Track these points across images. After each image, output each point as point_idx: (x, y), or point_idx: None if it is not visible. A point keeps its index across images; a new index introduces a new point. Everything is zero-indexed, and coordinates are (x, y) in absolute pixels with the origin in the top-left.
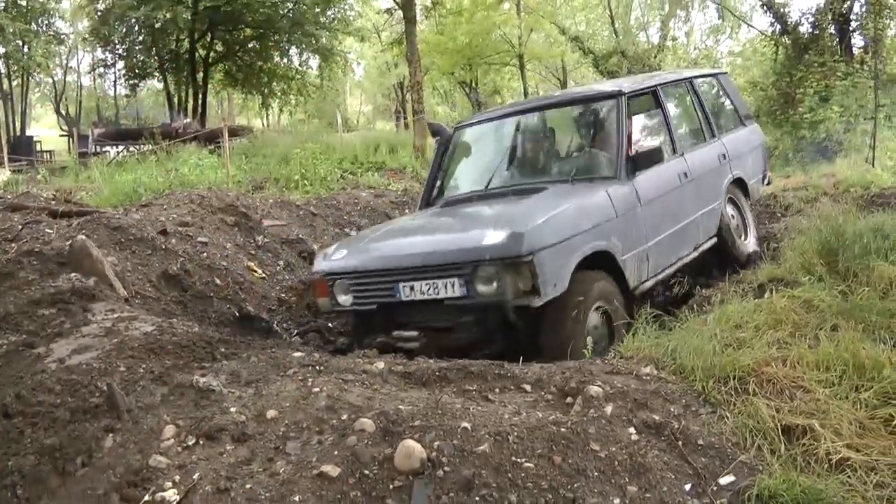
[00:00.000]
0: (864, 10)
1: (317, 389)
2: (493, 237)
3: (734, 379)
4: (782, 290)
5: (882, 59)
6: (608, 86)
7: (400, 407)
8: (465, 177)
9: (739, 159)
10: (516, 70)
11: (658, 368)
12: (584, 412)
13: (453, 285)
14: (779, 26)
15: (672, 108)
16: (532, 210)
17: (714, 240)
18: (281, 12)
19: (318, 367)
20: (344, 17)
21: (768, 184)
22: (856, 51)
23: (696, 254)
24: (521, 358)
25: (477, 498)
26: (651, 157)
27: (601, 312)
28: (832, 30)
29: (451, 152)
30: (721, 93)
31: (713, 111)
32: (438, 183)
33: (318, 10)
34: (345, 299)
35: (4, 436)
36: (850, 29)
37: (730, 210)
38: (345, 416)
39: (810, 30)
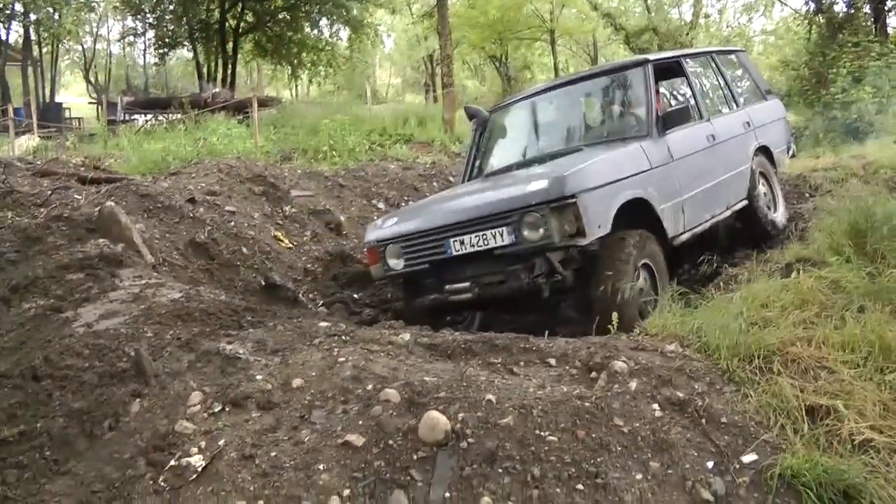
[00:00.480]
0: None
1: (342, 359)
2: (538, 185)
3: (759, 358)
4: (809, 270)
5: None
6: (636, 57)
7: (425, 378)
8: (504, 152)
9: (763, 128)
10: (547, 45)
11: (683, 346)
12: (609, 387)
13: (502, 234)
14: (813, 5)
15: (695, 78)
16: (572, 162)
17: (745, 202)
18: None
19: (343, 338)
20: None
21: (793, 155)
22: (890, 31)
23: (728, 213)
24: (556, 325)
25: (500, 470)
26: (679, 117)
27: (647, 270)
28: (867, 9)
29: (489, 133)
30: (741, 68)
31: (735, 84)
32: (477, 162)
33: None
34: (396, 263)
35: (33, 398)
36: (886, 9)
37: (760, 181)
38: (370, 387)
39: (845, 9)
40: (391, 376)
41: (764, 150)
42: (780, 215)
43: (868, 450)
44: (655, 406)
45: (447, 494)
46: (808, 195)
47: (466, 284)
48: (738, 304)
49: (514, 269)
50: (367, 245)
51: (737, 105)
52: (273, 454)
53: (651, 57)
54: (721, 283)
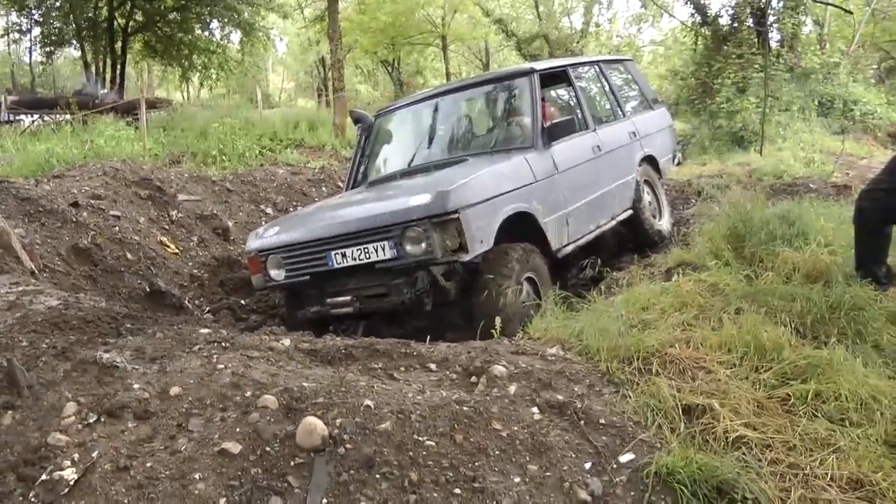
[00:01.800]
0: (781, 5)
1: (222, 366)
2: (420, 199)
3: (638, 360)
4: (690, 274)
5: (797, 54)
6: (522, 66)
7: (304, 384)
8: (388, 159)
9: (649, 138)
10: (439, 51)
11: (564, 349)
12: (488, 391)
13: (384, 248)
14: (699, 17)
15: (582, 88)
16: (455, 175)
17: (630, 211)
18: None
19: (224, 344)
20: None
21: (678, 163)
22: (773, 44)
23: (613, 223)
24: (441, 331)
25: (378, 475)
26: (565, 128)
27: (530, 283)
28: (750, 23)
29: (374, 138)
30: (629, 78)
31: (622, 94)
32: (362, 168)
33: None
34: (277, 273)
35: None
36: (768, 23)
37: (645, 189)
38: (249, 393)
39: (729, 22)
40: (270, 382)
41: (650, 160)
42: (665, 223)
43: (741, 446)
44: (535, 409)
45: (324, 500)
46: (693, 201)
47: (348, 298)
48: (619, 308)
49: (397, 283)
50: (248, 254)
51: (623, 114)
52: (148, 465)
53: (537, 66)
54: (604, 288)
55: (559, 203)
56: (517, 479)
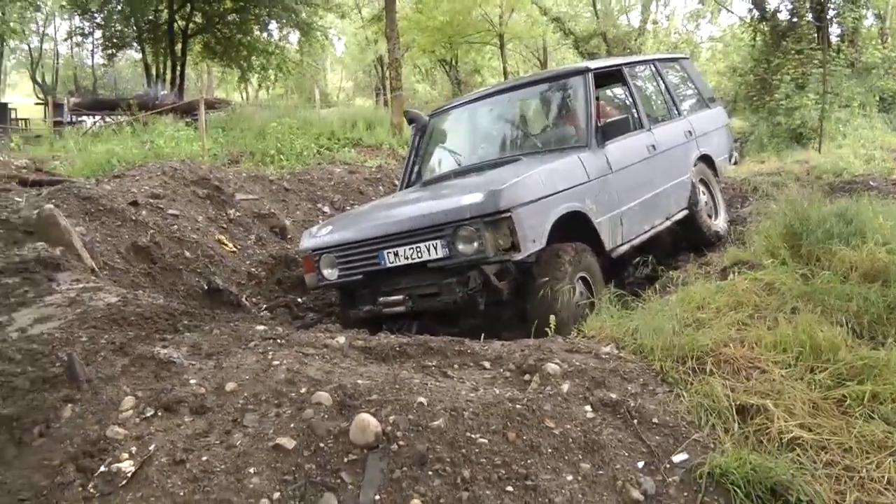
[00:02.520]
0: None
1: (277, 363)
2: (472, 198)
3: (692, 359)
4: (745, 273)
5: (857, 49)
6: (577, 64)
7: (358, 381)
8: (442, 159)
9: (705, 137)
10: (497, 49)
11: (618, 348)
12: (541, 389)
13: (436, 247)
14: (757, 13)
15: (637, 86)
16: (508, 174)
17: (685, 212)
18: None
19: (279, 341)
20: None
21: (735, 163)
22: (833, 39)
23: (668, 223)
24: (496, 331)
25: (430, 472)
26: (619, 127)
27: (584, 282)
28: (810, 17)
29: (428, 138)
30: (685, 76)
31: (677, 92)
32: (416, 168)
33: None
34: (330, 273)
35: None
36: (828, 17)
37: (701, 189)
38: (303, 390)
39: (788, 17)
40: (324, 379)
41: (706, 159)
42: (721, 223)
43: (796, 448)
44: (588, 407)
45: (377, 497)
46: (750, 199)
47: (400, 297)
48: (674, 307)
49: (449, 283)
50: (301, 253)
51: (679, 113)
52: (204, 458)
53: (592, 65)
54: (658, 286)
55: (613, 203)
56: (569, 478)
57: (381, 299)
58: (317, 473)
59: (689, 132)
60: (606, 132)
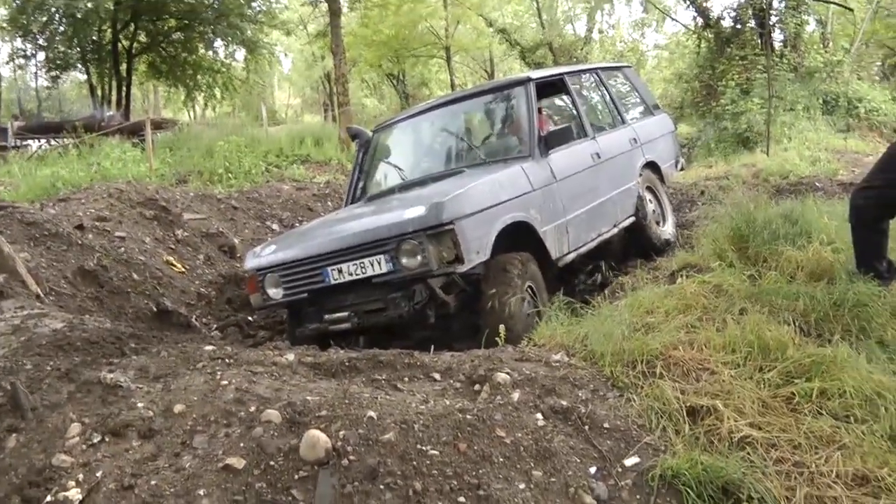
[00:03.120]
0: (783, 5)
1: (225, 382)
2: (415, 212)
3: (642, 363)
4: (693, 276)
5: (800, 53)
6: (518, 75)
7: (307, 398)
8: (386, 174)
9: (651, 144)
10: (444, 62)
11: (569, 355)
12: (491, 399)
13: (380, 262)
14: (701, 20)
15: (580, 95)
16: (450, 186)
17: (632, 218)
18: (206, 3)
19: (227, 360)
20: (270, 9)
21: (681, 169)
22: (776, 45)
23: (615, 230)
24: (447, 342)
25: (382, 486)
26: (562, 136)
27: (530, 292)
28: (753, 24)
29: (372, 153)
30: (628, 84)
31: (621, 100)
32: (361, 184)
33: (242, 1)
34: (275, 292)
35: None
36: (770, 24)
37: (648, 196)
38: (252, 408)
39: (732, 24)
40: (274, 397)
41: (652, 166)
42: (669, 229)
43: (746, 446)
44: (538, 415)
45: None
46: (699, 203)
47: (346, 314)
48: (623, 312)
49: (394, 297)
50: (245, 273)
51: (623, 121)
52: (153, 483)
53: (533, 75)
54: (608, 293)
55: (558, 212)
56: (522, 486)
57: (327, 316)
58: (267, 492)
59: (634, 139)
60: (549, 141)
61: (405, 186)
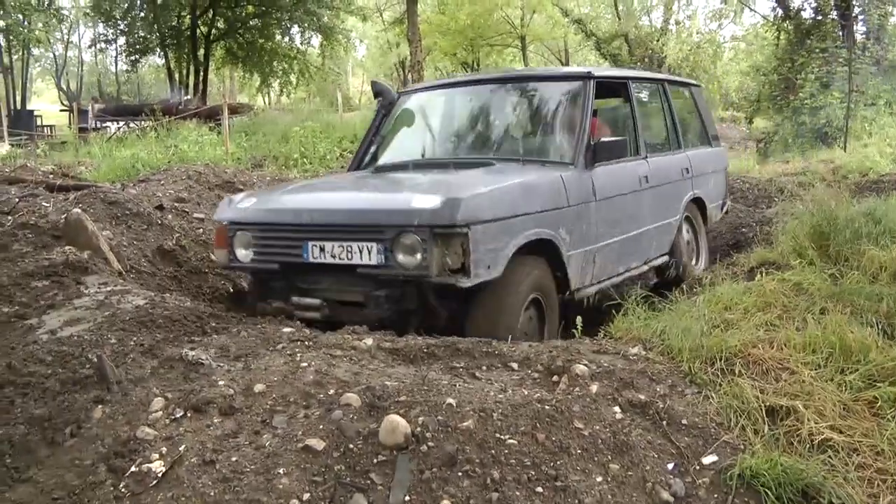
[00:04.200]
0: None
1: (305, 364)
2: (425, 201)
3: (721, 360)
4: (773, 273)
5: (884, 46)
6: (577, 68)
7: (386, 382)
8: (404, 144)
9: (702, 178)
10: (518, 52)
11: (646, 349)
12: (570, 390)
13: (370, 251)
14: (781, 11)
15: (641, 105)
16: (474, 180)
17: (666, 258)
18: None
19: (306, 343)
20: None
21: (726, 212)
22: (858, 37)
23: (645, 268)
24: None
25: (460, 473)
26: (614, 149)
27: (535, 305)
28: (834, 15)
29: (394, 117)
30: (693, 105)
31: (682, 122)
32: (373, 148)
33: None
34: (244, 254)
35: None
36: (853, 15)
37: (686, 233)
38: (332, 391)
39: (813, 15)
40: (353, 381)
41: (698, 203)
42: (699, 267)
43: (827, 450)
44: (616, 409)
45: (407, 498)
46: (775, 199)
47: (317, 302)
48: (702, 308)
49: (378, 296)
50: (215, 224)
51: (679, 146)
52: (234, 459)
53: (595, 72)
54: (685, 287)
55: (589, 236)
56: (599, 479)
57: (295, 299)
58: (346, 474)
59: (687, 170)
60: (598, 152)
61: (422, 165)
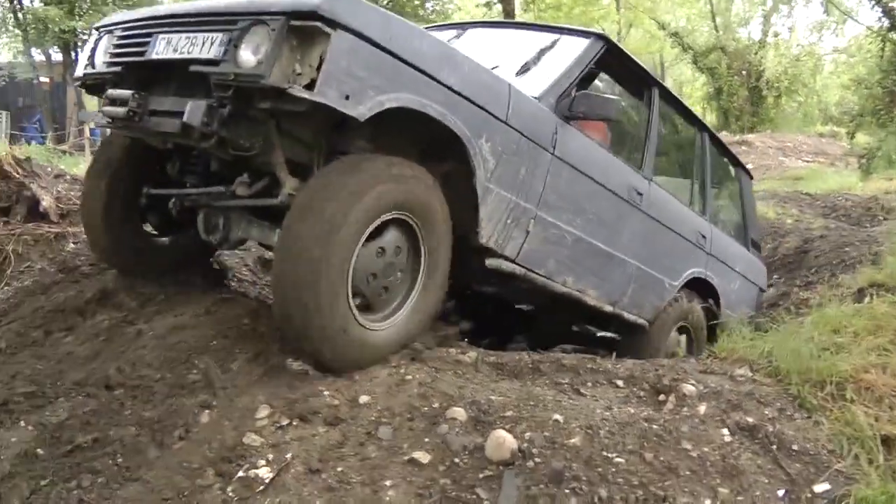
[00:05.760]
0: None
1: (409, 377)
2: None
3: (831, 384)
4: (883, 296)
5: None
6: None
7: (491, 397)
8: None
9: (721, 265)
10: None
11: (752, 370)
12: (677, 410)
13: (212, 42)
14: (887, 21)
15: (662, 126)
16: None
17: (645, 324)
18: (381, 4)
19: (410, 355)
20: (443, 8)
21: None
22: None
23: (608, 308)
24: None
25: (567, 490)
26: (598, 106)
27: (401, 230)
28: None
29: None
30: (735, 185)
31: (717, 203)
32: None
33: (417, 2)
34: (101, 62)
35: (106, 406)
36: None
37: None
38: (436, 405)
39: None
40: (458, 395)
41: (705, 289)
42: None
43: None
44: (725, 431)
45: None
46: (881, 218)
47: (127, 93)
48: (809, 329)
49: (199, 104)
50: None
51: (703, 211)
52: (340, 469)
53: (611, 38)
54: (791, 307)
55: (530, 192)
56: (708, 502)
57: (109, 91)
58: (452, 489)
59: (703, 236)
60: (575, 104)
61: None
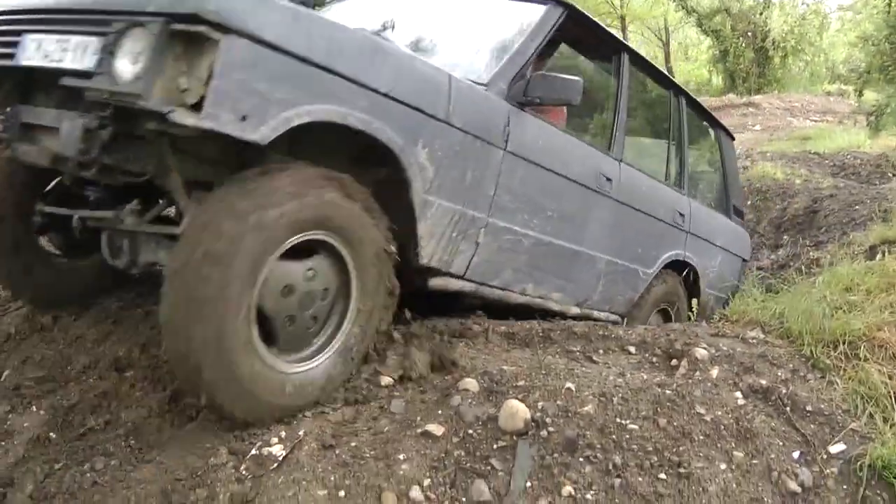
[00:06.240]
0: None
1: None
2: None
3: (844, 344)
4: (895, 252)
5: None
6: None
7: (503, 367)
8: None
9: (704, 246)
10: (618, 31)
11: (764, 332)
12: (690, 375)
13: (85, 48)
14: None
15: (632, 95)
16: None
17: (618, 319)
18: None
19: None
20: None
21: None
22: None
23: (575, 310)
24: None
25: (581, 459)
26: (556, 88)
27: (324, 252)
28: None
29: None
30: (715, 149)
31: (696, 171)
32: None
33: None
34: None
35: (117, 389)
36: None
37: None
38: (448, 376)
39: None
40: (469, 365)
41: (686, 270)
42: None
43: None
44: (738, 394)
45: (528, 483)
46: (890, 174)
47: None
48: (821, 289)
49: (74, 122)
50: None
51: (680, 185)
52: (353, 444)
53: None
54: (802, 268)
55: (478, 198)
56: (723, 466)
57: None
58: (466, 460)
59: (681, 215)
60: (532, 87)
61: None
